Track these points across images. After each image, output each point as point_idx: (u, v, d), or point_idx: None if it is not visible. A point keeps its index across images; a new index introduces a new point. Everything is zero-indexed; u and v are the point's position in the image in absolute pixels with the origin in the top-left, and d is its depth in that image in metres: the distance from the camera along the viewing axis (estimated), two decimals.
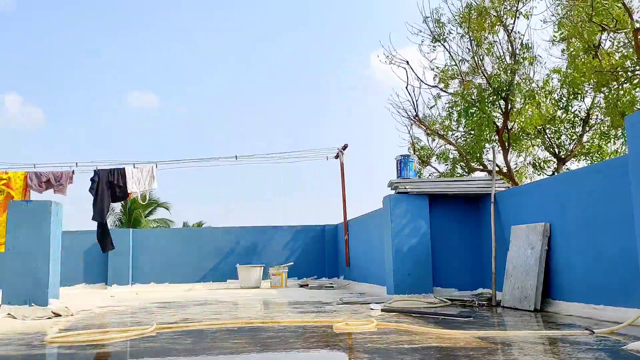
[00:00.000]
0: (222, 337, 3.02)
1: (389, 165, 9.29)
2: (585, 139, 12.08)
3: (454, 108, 12.38)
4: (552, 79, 11.75)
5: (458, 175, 12.69)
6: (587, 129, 12.00)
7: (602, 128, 11.75)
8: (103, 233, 7.92)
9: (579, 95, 11.61)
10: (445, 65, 12.22)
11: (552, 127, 11.94)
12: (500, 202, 5.08)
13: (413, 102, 12.91)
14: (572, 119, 11.99)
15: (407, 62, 12.62)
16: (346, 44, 30.02)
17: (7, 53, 27.54)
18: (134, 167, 8.19)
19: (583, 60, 9.91)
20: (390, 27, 26.08)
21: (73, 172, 8.10)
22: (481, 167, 12.44)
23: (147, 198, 8.57)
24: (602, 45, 10.23)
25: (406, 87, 12.87)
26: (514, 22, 11.69)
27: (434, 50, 12.31)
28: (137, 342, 2.87)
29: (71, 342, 2.89)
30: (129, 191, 8.07)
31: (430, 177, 13.29)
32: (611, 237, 3.50)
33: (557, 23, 10.97)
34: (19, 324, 3.86)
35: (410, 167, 5.88)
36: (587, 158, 11.90)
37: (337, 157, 8.83)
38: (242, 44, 30.68)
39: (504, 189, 5.40)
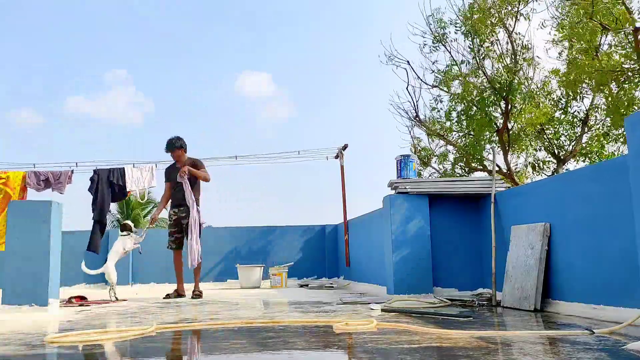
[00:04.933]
0: (223, 337, 3.02)
1: (389, 165, 9.30)
2: (584, 139, 12.09)
3: (454, 109, 12.37)
4: (550, 80, 11.77)
5: (458, 175, 12.68)
6: (587, 129, 12.01)
7: (602, 129, 11.76)
8: (100, 232, 7.99)
9: (578, 96, 11.62)
10: (447, 66, 12.23)
11: (552, 128, 11.97)
12: (500, 202, 5.08)
13: (413, 102, 12.91)
14: (572, 120, 12.00)
15: (408, 62, 12.60)
16: (346, 44, 30.04)
17: (116, 32, 27.48)
18: (133, 166, 8.20)
19: (583, 60, 9.91)
20: (390, 27, 26.14)
21: (72, 171, 8.12)
22: (481, 167, 12.44)
23: (145, 197, 8.58)
24: (602, 46, 10.23)
25: (407, 88, 12.88)
26: (515, 23, 11.71)
27: (436, 50, 12.32)
28: (137, 342, 2.87)
29: (71, 342, 2.88)
30: (127, 190, 8.09)
31: (430, 177, 13.29)
32: (611, 237, 3.50)
33: (557, 25, 10.98)
34: (19, 323, 3.86)
35: (410, 167, 5.88)
36: (586, 159, 11.92)
37: (337, 157, 8.83)
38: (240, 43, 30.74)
39: (504, 189, 5.40)
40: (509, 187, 5.62)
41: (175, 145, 6.33)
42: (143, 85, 33.37)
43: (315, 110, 33.12)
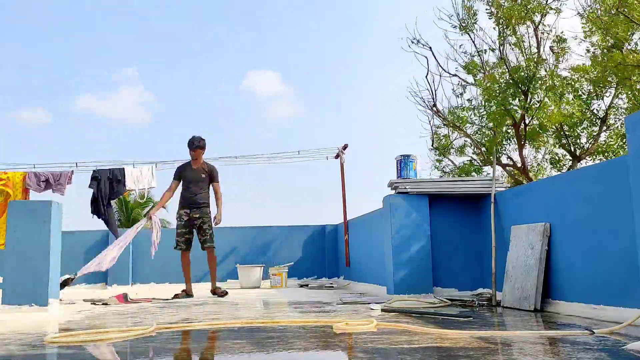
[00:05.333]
0: (223, 337, 3.03)
1: (389, 165, 9.30)
2: (602, 137, 11.95)
3: (475, 101, 12.22)
4: (575, 75, 11.63)
5: (475, 168, 12.61)
6: (605, 128, 11.90)
7: (621, 128, 11.65)
8: (108, 224, 8.09)
9: (602, 93, 11.48)
10: (471, 55, 12.10)
11: (570, 125, 11.79)
12: (500, 202, 5.08)
13: (432, 91, 12.78)
14: (591, 117, 11.88)
15: (430, 48, 12.47)
16: (346, 43, 30.05)
17: (127, 30, 27.43)
18: (133, 167, 8.23)
19: (608, 55, 9.82)
20: (390, 26, 26.14)
21: (72, 172, 8.13)
22: (497, 163, 12.35)
23: (145, 197, 8.59)
24: (630, 41, 10.14)
25: (426, 76, 12.76)
26: (542, 17, 11.56)
27: (462, 35, 12.17)
28: (138, 342, 2.87)
29: (71, 342, 2.89)
30: (127, 188, 8.13)
31: (445, 169, 13.24)
32: (611, 237, 3.50)
33: (585, 16, 10.84)
34: (19, 323, 3.86)
35: (411, 167, 5.89)
36: (602, 157, 11.81)
37: (337, 157, 8.83)
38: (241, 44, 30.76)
39: (504, 189, 5.40)
40: (509, 187, 5.62)
41: (200, 145, 6.49)
42: (149, 84, 33.46)
43: (316, 110, 33.16)
